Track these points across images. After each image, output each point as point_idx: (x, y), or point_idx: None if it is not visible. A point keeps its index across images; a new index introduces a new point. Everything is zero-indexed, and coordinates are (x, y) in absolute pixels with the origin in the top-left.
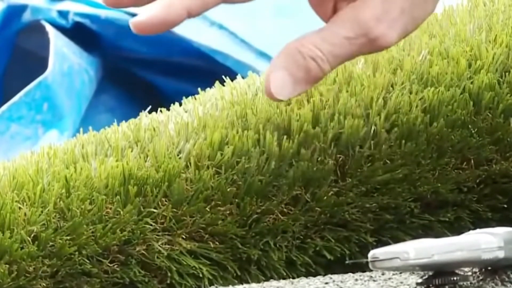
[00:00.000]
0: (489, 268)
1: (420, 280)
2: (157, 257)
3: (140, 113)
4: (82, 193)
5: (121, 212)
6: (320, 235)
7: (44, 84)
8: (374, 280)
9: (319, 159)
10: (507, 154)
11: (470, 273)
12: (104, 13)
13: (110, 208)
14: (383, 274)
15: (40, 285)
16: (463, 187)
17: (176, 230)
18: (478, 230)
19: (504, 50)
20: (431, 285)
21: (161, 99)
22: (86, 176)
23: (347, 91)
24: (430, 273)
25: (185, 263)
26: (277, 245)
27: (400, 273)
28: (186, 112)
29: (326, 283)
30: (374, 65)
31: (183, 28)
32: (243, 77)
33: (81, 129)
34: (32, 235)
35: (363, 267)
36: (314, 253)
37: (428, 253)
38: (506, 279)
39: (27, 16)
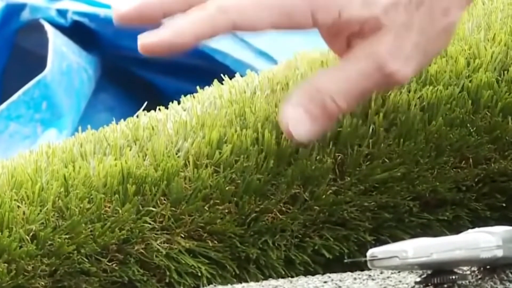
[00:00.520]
0: (488, 267)
1: (418, 279)
2: (156, 256)
3: (139, 112)
4: (80, 192)
5: (120, 211)
6: (318, 234)
7: (43, 83)
8: (372, 279)
9: (317, 157)
10: (505, 152)
11: (468, 272)
12: (103, 12)
13: (109, 207)
14: (381, 273)
15: (39, 284)
16: (462, 186)
17: (175, 229)
18: (476, 229)
19: (502, 49)
20: (429, 284)
21: (160, 98)
22: (84, 175)
23: None
24: (429, 272)
25: (183, 262)
26: (276, 244)
27: (399, 272)
28: (184, 110)
29: (325, 282)
30: None
31: None
32: (242, 76)
33: (79, 128)
34: (31, 234)
35: (362, 266)
36: (313, 252)
37: (426, 252)
38: (505, 278)
39: (26, 15)
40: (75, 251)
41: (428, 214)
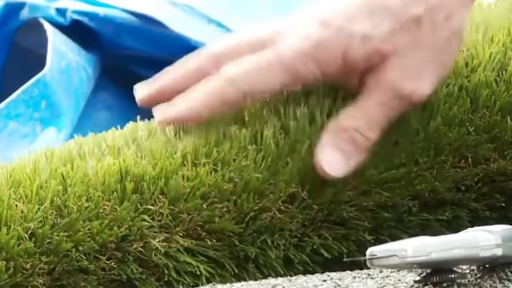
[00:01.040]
0: (487, 265)
1: (418, 278)
2: (155, 255)
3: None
4: (79, 190)
5: (118, 209)
6: (317, 233)
7: (42, 82)
8: (372, 278)
9: None
10: (505, 152)
11: (468, 271)
12: (102, 11)
13: (107, 205)
14: (381, 271)
15: (37, 282)
16: (461, 185)
17: (174, 227)
18: (476, 228)
19: (501, 49)
20: (429, 283)
21: None
22: (83, 173)
23: (344, 90)
24: (428, 271)
25: (182, 260)
26: (275, 243)
27: (398, 270)
28: None
29: (324, 280)
30: None
31: (181, 26)
32: None
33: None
34: (29, 232)
35: (361, 265)
36: (312, 251)
37: (426, 251)
38: (504, 276)
39: (25, 14)
40: (74, 249)
41: (428, 214)
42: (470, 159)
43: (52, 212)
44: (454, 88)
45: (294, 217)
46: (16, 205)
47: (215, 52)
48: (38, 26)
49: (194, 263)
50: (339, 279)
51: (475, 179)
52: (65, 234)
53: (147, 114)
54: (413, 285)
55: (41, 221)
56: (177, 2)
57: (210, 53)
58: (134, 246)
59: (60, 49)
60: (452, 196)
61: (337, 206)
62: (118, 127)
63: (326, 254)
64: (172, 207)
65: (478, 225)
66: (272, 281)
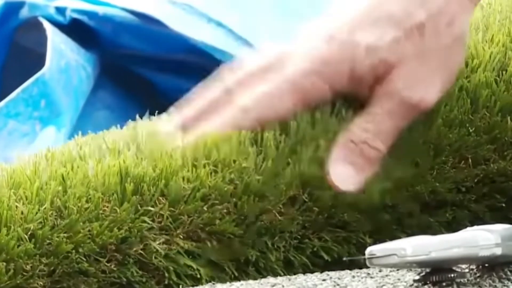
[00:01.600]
0: (487, 265)
1: (417, 277)
2: (155, 257)
3: (137, 117)
4: (79, 191)
5: (118, 210)
6: (318, 235)
7: (41, 81)
8: (371, 277)
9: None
10: (504, 153)
11: (467, 270)
12: (101, 9)
13: (107, 206)
14: (380, 271)
15: (38, 284)
16: (462, 186)
17: (174, 229)
18: (475, 227)
19: (501, 49)
20: (428, 282)
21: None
22: (83, 174)
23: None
24: (427, 270)
25: (182, 263)
26: (275, 246)
27: (397, 270)
28: None
29: (324, 279)
30: None
31: (181, 25)
32: None
33: (79, 129)
34: (29, 233)
35: (360, 264)
36: (312, 253)
37: (425, 250)
38: (504, 276)
39: (24, 13)
40: (74, 251)
41: (428, 215)
42: (470, 160)
43: (52, 213)
44: (454, 88)
45: (294, 220)
46: (16, 206)
47: (228, 85)
48: (37, 25)
49: (194, 266)
50: (338, 278)
51: (475, 180)
52: (65, 235)
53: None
54: (412, 284)
55: (41, 222)
56: (177, 1)
57: (223, 86)
58: (134, 249)
59: (59, 48)
60: (453, 197)
61: (337, 209)
62: (118, 126)
63: (326, 257)
64: (172, 209)
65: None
66: (271, 280)
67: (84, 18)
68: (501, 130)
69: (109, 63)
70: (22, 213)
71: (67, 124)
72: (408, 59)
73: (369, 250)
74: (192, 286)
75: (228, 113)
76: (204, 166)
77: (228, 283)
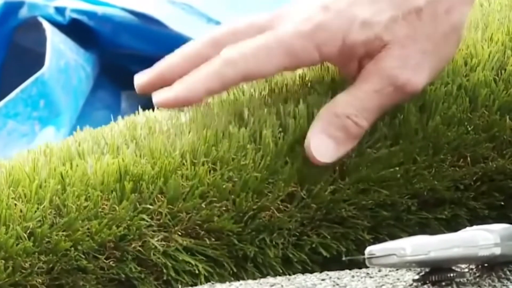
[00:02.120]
0: (486, 264)
1: (416, 277)
2: (153, 254)
3: (136, 111)
4: (77, 189)
5: (117, 208)
6: (316, 232)
7: (40, 81)
8: (370, 277)
9: None
10: (503, 151)
11: (466, 270)
12: (101, 9)
13: (106, 204)
14: (379, 270)
15: (36, 281)
16: (460, 184)
17: (172, 226)
18: (475, 227)
19: (500, 48)
20: (427, 282)
21: None
22: (81, 172)
23: (343, 89)
24: (427, 270)
25: (181, 259)
26: (273, 242)
27: (397, 269)
28: (182, 111)
29: (323, 279)
30: None
31: (180, 25)
32: None
33: (77, 126)
34: (28, 231)
35: (360, 264)
36: (311, 250)
37: (424, 250)
38: (503, 275)
39: (23, 13)
40: (72, 248)
41: (427, 213)
42: (469, 158)
43: (51, 212)
44: (453, 87)
45: (293, 216)
46: (15, 205)
47: (215, 36)
48: (37, 25)
49: (192, 262)
50: (338, 278)
51: (474, 178)
52: (64, 233)
53: None
54: (411, 284)
55: (40, 221)
56: (176, 1)
57: (210, 38)
58: (133, 245)
59: (58, 48)
60: (451, 195)
61: (335, 205)
62: (118, 120)
63: (324, 253)
64: (171, 206)
65: (477, 224)
66: (270, 280)
67: (83, 18)
68: (500, 128)
69: (109, 63)
70: (21, 211)
71: (67, 124)
72: (402, 40)
73: (369, 249)
74: (191, 281)
75: (214, 64)
76: (203, 164)
77: (227, 283)
